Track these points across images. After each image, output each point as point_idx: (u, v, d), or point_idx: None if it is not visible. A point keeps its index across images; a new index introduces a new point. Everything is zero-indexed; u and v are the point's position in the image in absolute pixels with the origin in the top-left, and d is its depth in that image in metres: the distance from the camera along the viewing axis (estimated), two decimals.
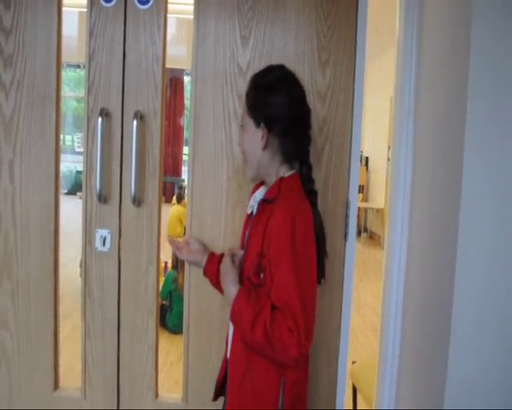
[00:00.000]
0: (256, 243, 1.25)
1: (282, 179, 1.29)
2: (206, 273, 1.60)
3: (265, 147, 1.28)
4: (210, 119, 1.68)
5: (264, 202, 1.29)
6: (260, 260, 1.23)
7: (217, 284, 1.55)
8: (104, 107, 1.68)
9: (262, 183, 1.41)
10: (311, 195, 1.32)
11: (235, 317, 1.22)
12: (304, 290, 1.16)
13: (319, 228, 1.29)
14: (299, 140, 1.32)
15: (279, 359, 1.18)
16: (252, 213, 1.38)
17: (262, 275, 1.22)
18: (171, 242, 1.64)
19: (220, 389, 1.45)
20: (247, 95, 1.32)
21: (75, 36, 4.90)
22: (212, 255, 1.60)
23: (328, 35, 1.64)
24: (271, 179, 1.32)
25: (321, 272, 1.30)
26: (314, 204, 1.32)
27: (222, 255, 1.59)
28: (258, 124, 1.28)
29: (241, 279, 1.29)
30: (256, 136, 1.28)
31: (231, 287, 1.25)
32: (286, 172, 1.31)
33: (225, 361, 1.42)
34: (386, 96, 6.94)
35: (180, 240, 1.69)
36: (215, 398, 1.46)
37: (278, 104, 1.27)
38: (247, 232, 1.37)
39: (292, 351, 1.13)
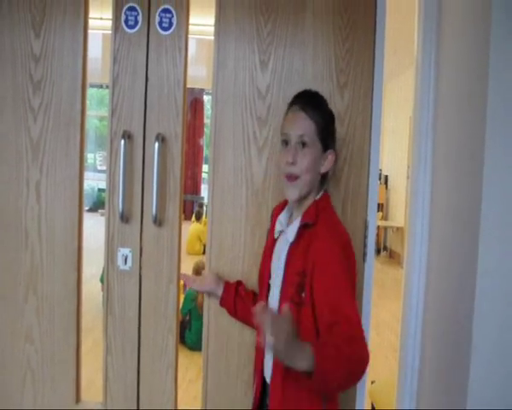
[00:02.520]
0: (296, 265, 1.28)
1: (316, 202, 1.34)
2: (222, 304, 1.61)
3: (326, 171, 1.36)
4: (229, 141, 1.71)
5: (303, 227, 1.31)
6: (302, 279, 1.25)
7: (235, 314, 1.59)
8: (127, 129, 1.73)
9: (283, 206, 1.45)
10: None
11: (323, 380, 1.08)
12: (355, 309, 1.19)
13: None
14: None
15: (360, 372, 1.09)
16: (277, 236, 1.41)
17: (304, 294, 1.25)
18: (184, 277, 1.70)
19: None
20: (317, 117, 1.33)
21: (99, 57, 5.04)
22: (227, 285, 1.61)
23: (347, 58, 1.67)
24: (307, 200, 1.35)
25: None
26: None
27: (238, 284, 1.62)
28: (325, 149, 1.34)
29: (283, 300, 1.30)
30: (320, 159, 1.33)
31: (303, 361, 1.03)
32: (319, 192, 1.37)
33: (258, 388, 1.41)
34: (405, 114, 6.93)
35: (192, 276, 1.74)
36: None
37: (336, 135, 1.41)
38: (283, 256, 1.35)
39: (366, 358, 1.09)
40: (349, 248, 1.28)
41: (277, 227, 1.42)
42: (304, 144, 1.31)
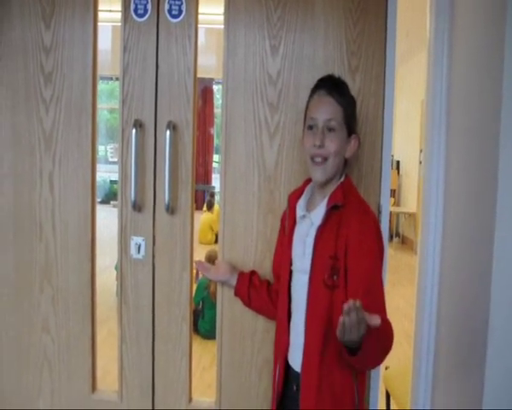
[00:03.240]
0: (328, 248, 1.30)
1: (342, 184, 1.37)
2: (237, 293, 1.62)
3: (350, 156, 1.39)
4: (241, 127, 1.70)
5: (331, 209, 1.32)
6: (334, 262, 1.28)
7: (249, 304, 1.60)
8: (138, 118, 1.72)
9: (300, 193, 1.45)
10: None
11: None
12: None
13: None
14: None
15: (388, 350, 1.23)
16: (298, 221, 1.42)
17: (336, 277, 1.28)
18: (198, 264, 1.69)
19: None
20: (344, 102, 1.35)
21: (109, 50, 5.04)
22: (241, 275, 1.62)
23: (358, 41, 1.65)
24: (331, 184, 1.37)
25: None
26: None
27: (252, 274, 1.62)
28: (349, 133, 1.36)
29: (313, 284, 1.32)
30: (345, 143, 1.36)
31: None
32: (342, 176, 1.40)
33: (281, 373, 1.41)
34: (417, 99, 6.85)
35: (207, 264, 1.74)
36: None
37: None
38: (309, 241, 1.35)
39: (392, 335, 1.22)
40: (379, 228, 1.34)
41: (299, 212, 1.42)
42: (331, 129, 1.33)
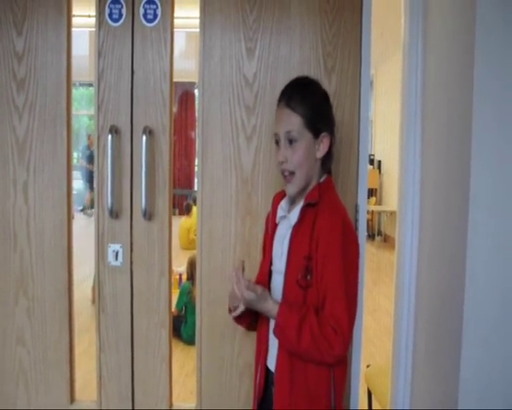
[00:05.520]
0: (302, 248, 1.29)
1: (319, 184, 1.35)
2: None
3: (323, 155, 1.34)
4: (218, 130, 1.70)
5: (306, 207, 1.32)
6: (308, 263, 1.27)
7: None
8: (114, 124, 1.71)
9: (284, 194, 1.43)
10: None
11: (280, 328, 1.26)
12: (348, 292, 1.25)
13: None
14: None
15: (324, 360, 1.24)
16: (279, 221, 1.41)
17: (309, 277, 1.27)
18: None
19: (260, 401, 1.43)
20: (303, 109, 1.31)
21: (86, 55, 4.99)
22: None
23: (334, 42, 1.66)
24: (309, 185, 1.35)
25: None
26: None
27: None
28: (317, 135, 1.32)
29: (288, 284, 1.31)
30: (313, 147, 1.33)
31: (269, 303, 1.28)
32: (321, 175, 1.38)
33: (261, 378, 1.40)
34: (397, 98, 6.92)
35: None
36: None
37: (332, 114, 1.39)
38: (286, 242, 1.35)
39: (336, 351, 1.21)
40: (349, 225, 1.31)
41: (279, 213, 1.42)
42: (291, 141, 1.31)
